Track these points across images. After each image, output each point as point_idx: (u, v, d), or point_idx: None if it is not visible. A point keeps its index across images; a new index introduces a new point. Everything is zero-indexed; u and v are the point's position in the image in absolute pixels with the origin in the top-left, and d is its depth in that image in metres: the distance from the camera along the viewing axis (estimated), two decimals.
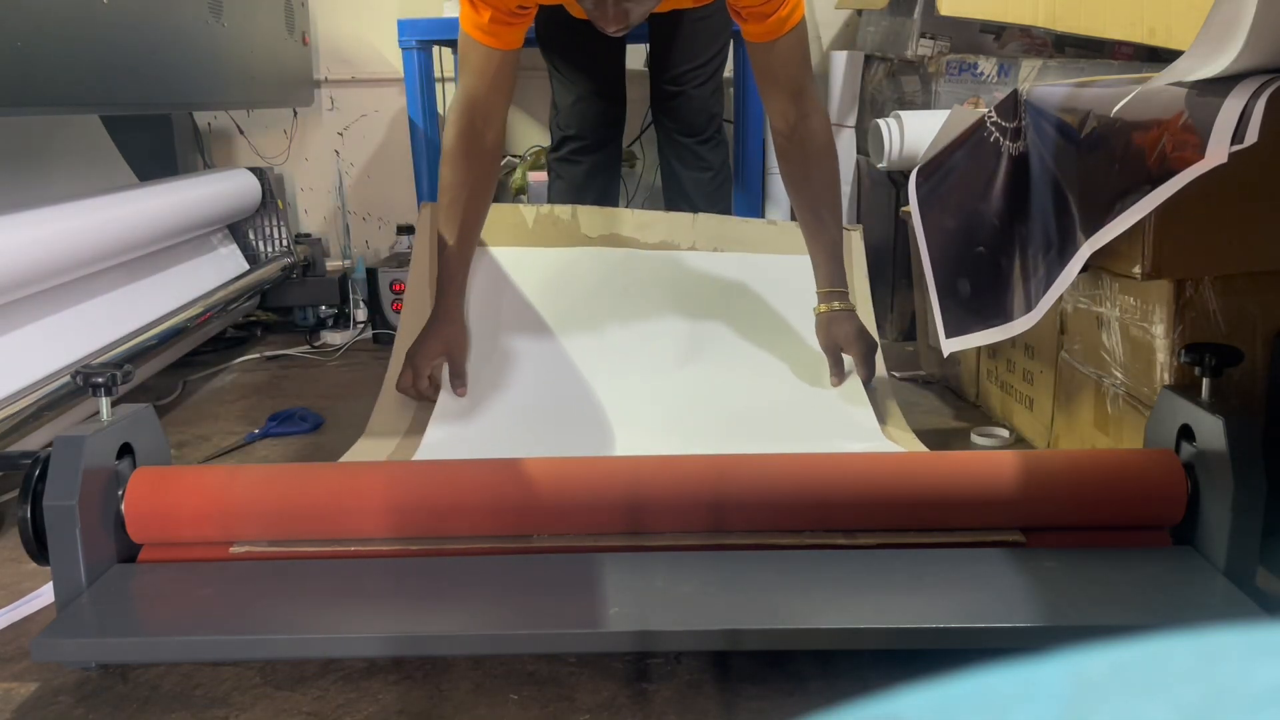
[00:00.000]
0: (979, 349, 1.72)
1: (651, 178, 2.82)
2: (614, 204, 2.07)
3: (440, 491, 1.07)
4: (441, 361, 1.56)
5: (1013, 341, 1.50)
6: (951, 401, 1.83)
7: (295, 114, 2.85)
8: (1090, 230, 1.18)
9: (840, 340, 1.56)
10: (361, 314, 2.50)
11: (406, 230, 2.62)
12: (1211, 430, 0.99)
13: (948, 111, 1.79)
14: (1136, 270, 1.15)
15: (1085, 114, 1.26)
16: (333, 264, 2.79)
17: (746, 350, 1.65)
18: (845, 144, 2.47)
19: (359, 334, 2.45)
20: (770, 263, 1.79)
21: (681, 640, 0.94)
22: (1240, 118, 0.96)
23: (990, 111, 1.47)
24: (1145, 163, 1.09)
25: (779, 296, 1.73)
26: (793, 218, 1.79)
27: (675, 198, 2.05)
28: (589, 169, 2.03)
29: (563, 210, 1.84)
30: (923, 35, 2.26)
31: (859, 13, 2.61)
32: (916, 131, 2.06)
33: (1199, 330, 1.14)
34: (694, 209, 1.93)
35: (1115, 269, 1.23)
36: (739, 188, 2.51)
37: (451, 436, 1.48)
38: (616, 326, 1.68)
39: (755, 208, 2.50)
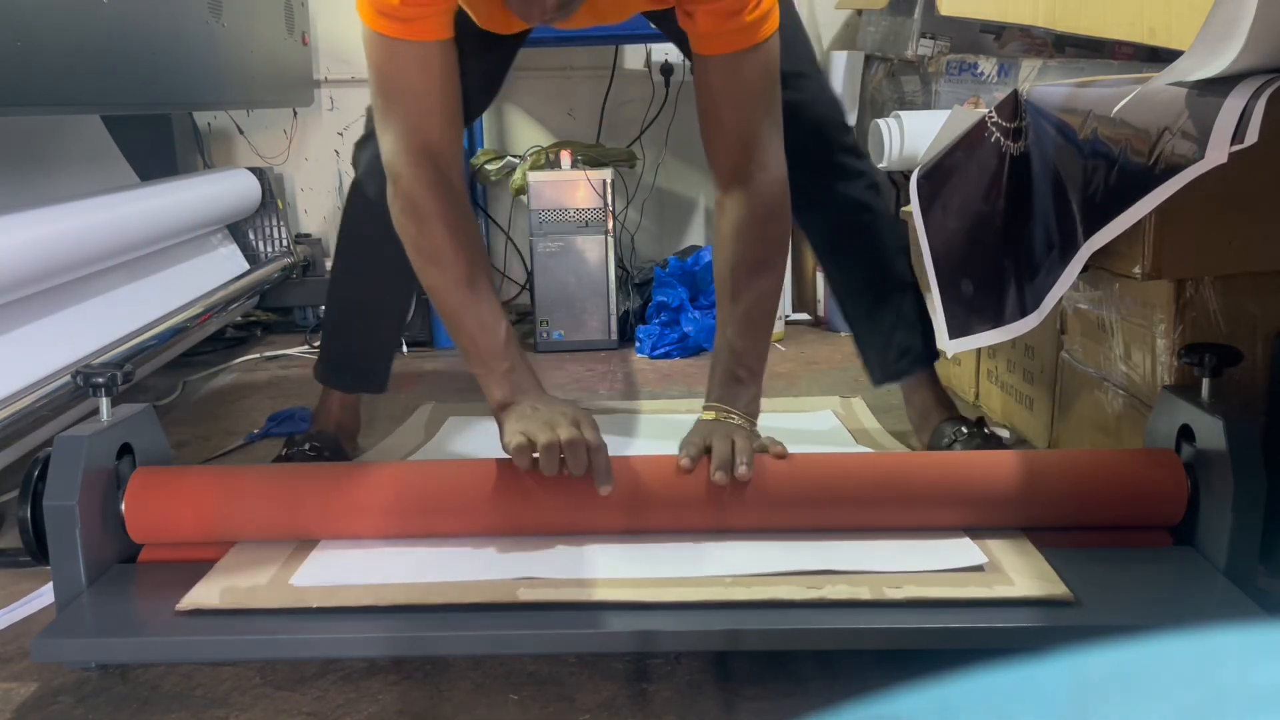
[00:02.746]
0: (978, 349, 1.72)
1: (652, 178, 2.82)
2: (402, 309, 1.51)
3: (440, 491, 1.07)
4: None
5: (1013, 342, 1.50)
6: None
7: (295, 114, 2.85)
8: (1090, 230, 1.18)
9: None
10: None
11: None
12: (1211, 430, 0.99)
13: (948, 111, 1.79)
14: (1136, 270, 1.15)
15: (1085, 114, 1.26)
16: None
17: None
18: None
19: None
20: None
21: (681, 640, 0.93)
22: (1240, 118, 0.96)
23: (991, 112, 1.47)
24: (1145, 163, 1.09)
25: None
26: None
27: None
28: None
29: None
30: (923, 35, 2.26)
31: (859, 13, 2.61)
32: (916, 131, 2.06)
33: (1199, 330, 1.14)
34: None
35: (1115, 269, 1.23)
36: None
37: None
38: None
39: None
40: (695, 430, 1.13)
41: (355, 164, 1.38)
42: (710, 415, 1.15)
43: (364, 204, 1.35)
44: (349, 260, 1.46)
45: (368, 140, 1.30)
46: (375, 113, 1.12)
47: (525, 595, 0.94)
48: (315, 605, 0.94)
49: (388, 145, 1.10)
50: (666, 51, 2.63)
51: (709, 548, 1.03)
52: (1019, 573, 0.96)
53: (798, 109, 1.24)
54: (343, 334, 1.49)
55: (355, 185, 1.39)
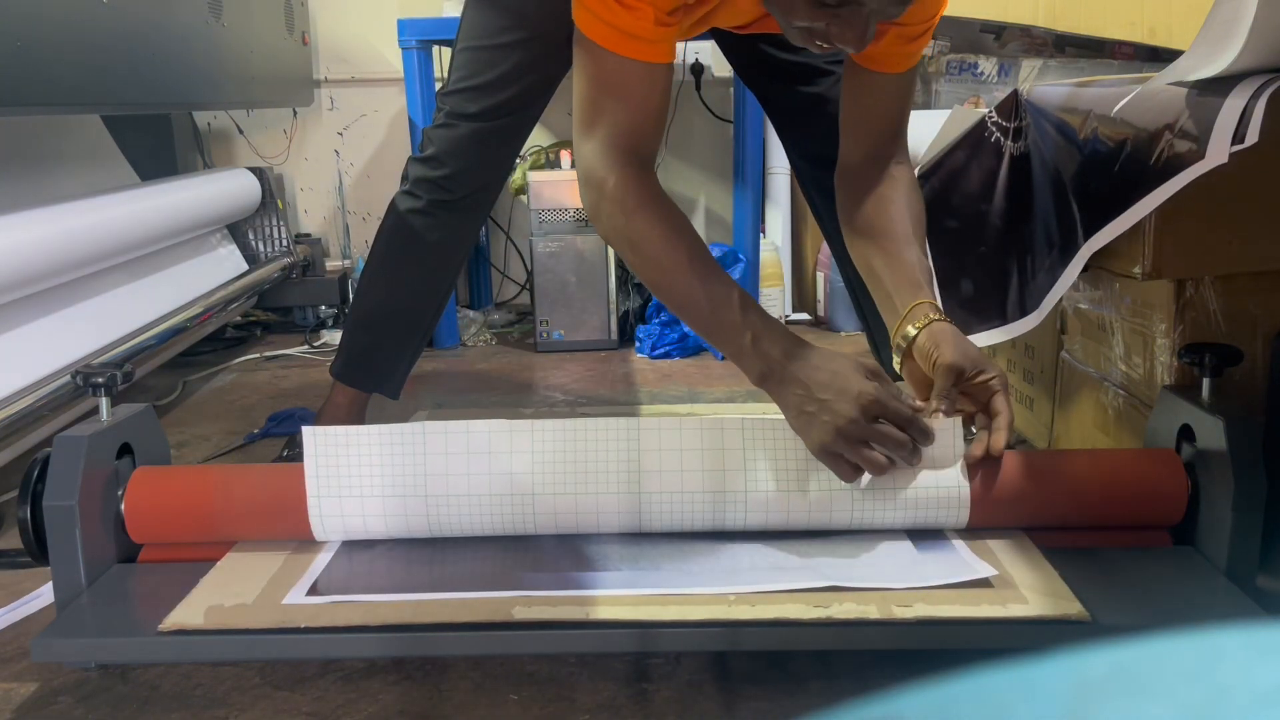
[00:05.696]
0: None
1: None
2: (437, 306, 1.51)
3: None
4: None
5: (1013, 341, 1.50)
6: None
7: (295, 114, 2.85)
8: (1091, 230, 1.18)
9: (965, 360, 1.06)
10: None
11: None
12: (1211, 430, 0.99)
13: (948, 111, 1.78)
14: (1136, 270, 1.15)
15: (1085, 114, 1.26)
16: (333, 264, 2.80)
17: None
18: None
19: None
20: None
21: (681, 640, 0.93)
22: (1240, 118, 0.96)
23: (991, 112, 1.47)
24: (1145, 163, 1.09)
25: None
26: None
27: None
28: (447, 232, 1.45)
29: None
30: None
31: None
32: (917, 131, 2.06)
33: (1199, 330, 1.14)
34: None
35: (1115, 269, 1.23)
36: (739, 187, 2.51)
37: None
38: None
39: (756, 207, 2.50)
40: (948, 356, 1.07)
41: (404, 176, 1.44)
42: (938, 316, 1.10)
43: (406, 213, 1.43)
44: (385, 263, 1.47)
45: (422, 159, 1.41)
46: (583, 119, 1.08)
47: (520, 614, 0.91)
48: (303, 625, 0.91)
49: (594, 149, 1.07)
50: (698, 51, 2.63)
51: (710, 559, 1.01)
52: (1031, 589, 0.94)
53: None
54: (368, 332, 1.50)
55: (401, 194, 1.44)
